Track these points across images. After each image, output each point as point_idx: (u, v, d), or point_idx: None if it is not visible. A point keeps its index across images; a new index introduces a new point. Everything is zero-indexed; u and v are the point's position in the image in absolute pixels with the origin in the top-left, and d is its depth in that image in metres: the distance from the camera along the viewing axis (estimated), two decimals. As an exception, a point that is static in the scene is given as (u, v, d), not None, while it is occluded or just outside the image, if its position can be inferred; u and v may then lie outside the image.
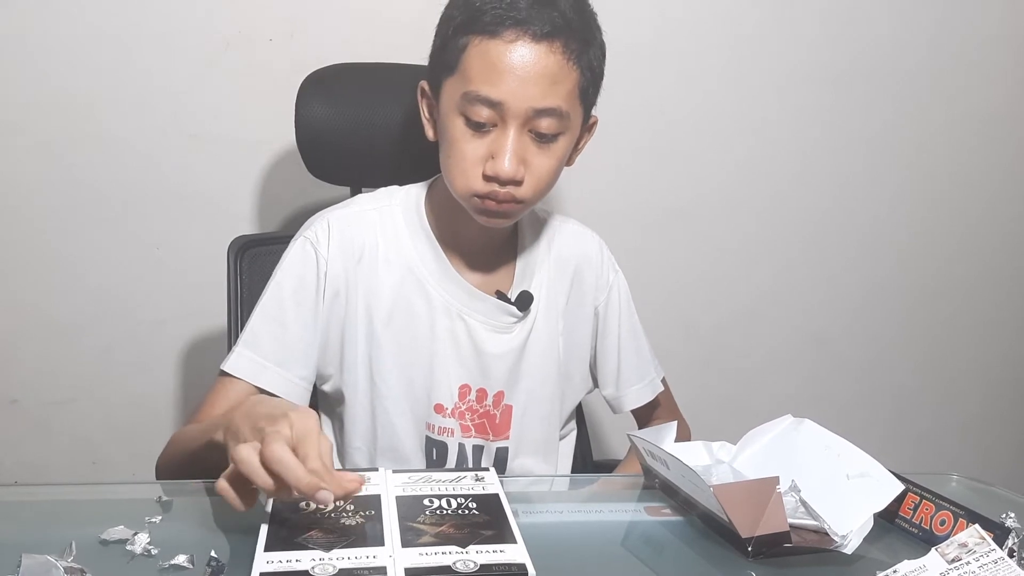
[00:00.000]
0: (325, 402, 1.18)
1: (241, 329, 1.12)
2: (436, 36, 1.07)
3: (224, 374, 1.07)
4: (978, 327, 2.03)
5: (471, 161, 1.02)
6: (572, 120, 1.04)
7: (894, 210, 1.92)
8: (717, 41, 1.74)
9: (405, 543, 0.73)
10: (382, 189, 1.19)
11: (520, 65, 0.99)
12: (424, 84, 1.10)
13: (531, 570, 0.70)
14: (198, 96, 1.54)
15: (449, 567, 0.70)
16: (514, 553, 0.72)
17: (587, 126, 1.11)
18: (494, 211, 1.05)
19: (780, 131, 1.81)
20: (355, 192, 1.30)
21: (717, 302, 1.86)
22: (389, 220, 1.14)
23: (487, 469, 0.89)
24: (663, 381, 1.29)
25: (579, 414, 1.36)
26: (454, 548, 0.72)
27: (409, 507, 0.80)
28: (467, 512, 0.79)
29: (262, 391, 1.06)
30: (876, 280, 1.94)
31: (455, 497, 0.82)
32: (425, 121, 1.11)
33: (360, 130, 1.26)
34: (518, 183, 1.03)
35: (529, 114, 1.00)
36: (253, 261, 1.26)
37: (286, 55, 1.53)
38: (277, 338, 1.08)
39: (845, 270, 1.92)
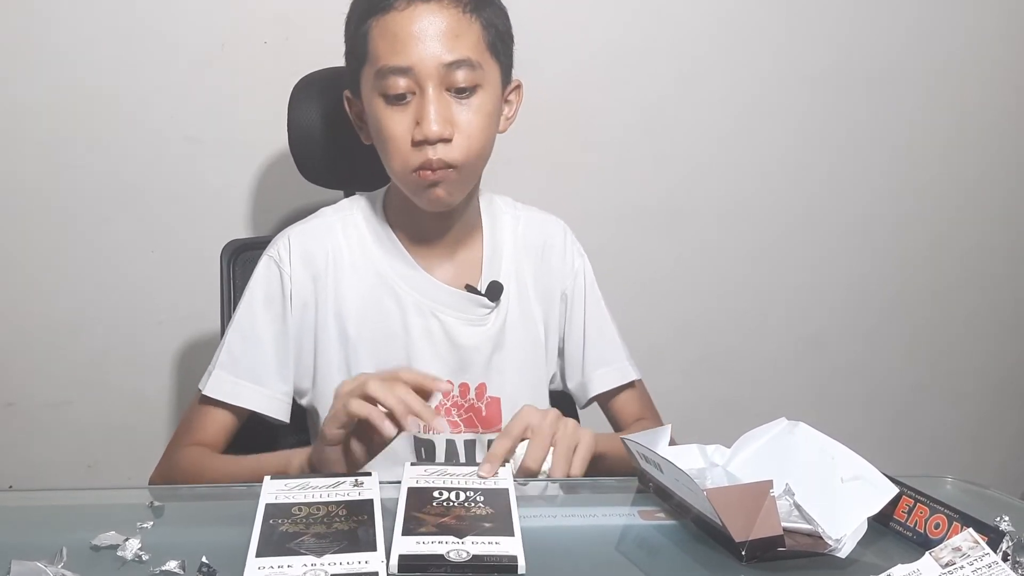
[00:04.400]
0: (308, 416, 1.19)
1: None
2: (345, 40, 1.10)
3: (204, 397, 1.09)
4: (974, 330, 2.03)
5: (400, 136, 1.04)
6: (487, 72, 1.05)
7: (891, 212, 1.92)
8: (713, 41, 1.74)
9: (406, 531, 0.74)
10: (344, 200, 1.21)
11: (419, 28, 1.01)
12: (347, 93, 1.12)
13: (522, 561, 0.70)
14: (193, 99, 1.54)
15: (442, 556, 0.70)
16: (508, 545, 0.73)
17: (511, 88, 1.12)
18: (432, 181, 1.04)
19: (778, 132, 1.81)
20: (348, 195, 1.30)
21: (712, 304, 1.86)
22: (352, 227, 1.15)
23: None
24: (640, 383, 1.27)
25: (575, 415, 1.35)
26: (451, 538, 0.73)
27: (418, 498, 0.81)
28: (472, 504, 0.81)
29: (242, 409, 1.09)
30: (872, 282, 1.94)
31: (464, 490, 0.83)
32: (358, 129, 1.13)
33: (353, 133, 1.25)
34: (447, 140, 1.03)
35: (441, 71, 1.02)
36: (246, 265, 1.26)
37: (280, 58, 1.53)
38: (253, 356, 1.10)
39: (841, 272, 1.92)
